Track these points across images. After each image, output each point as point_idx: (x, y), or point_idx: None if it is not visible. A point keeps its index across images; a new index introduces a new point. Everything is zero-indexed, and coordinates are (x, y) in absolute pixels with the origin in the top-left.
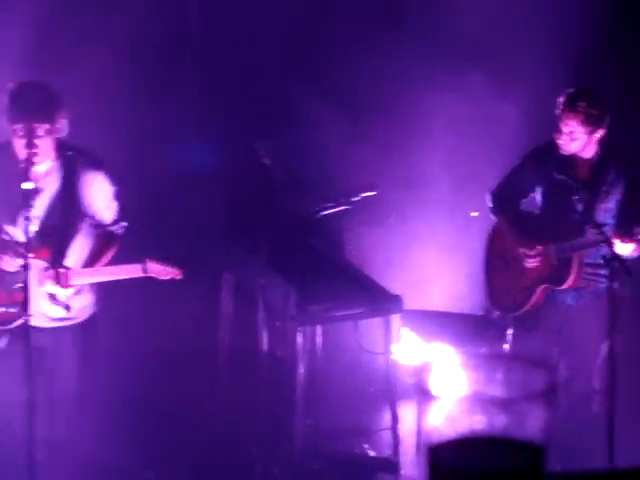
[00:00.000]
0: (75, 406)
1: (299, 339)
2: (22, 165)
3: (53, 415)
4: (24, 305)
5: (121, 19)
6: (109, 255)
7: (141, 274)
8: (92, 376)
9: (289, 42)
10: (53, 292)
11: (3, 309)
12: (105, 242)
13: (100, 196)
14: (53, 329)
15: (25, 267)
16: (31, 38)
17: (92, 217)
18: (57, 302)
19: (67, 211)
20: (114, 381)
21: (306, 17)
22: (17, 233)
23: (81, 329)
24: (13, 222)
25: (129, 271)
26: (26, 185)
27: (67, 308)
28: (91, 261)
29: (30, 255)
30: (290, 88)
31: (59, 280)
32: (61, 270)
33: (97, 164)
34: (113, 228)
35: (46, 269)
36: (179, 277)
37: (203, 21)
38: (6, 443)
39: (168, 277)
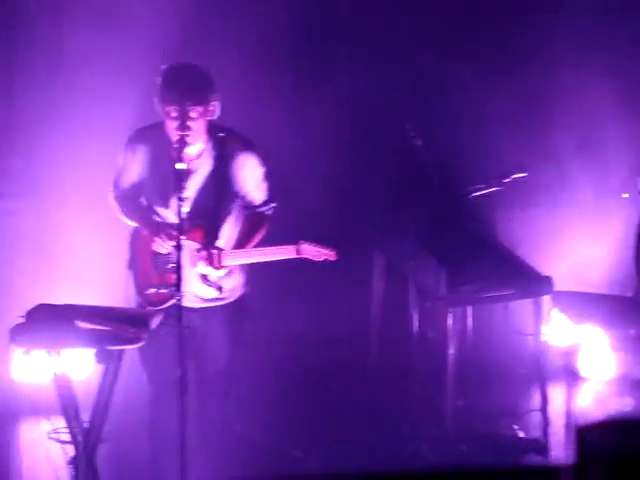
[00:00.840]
0: (225, 385)
1: (449, 320)
2: (175, 146)
3: (204, 394)
4: (177, 286)
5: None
6: (259, 236)
7: (294, 255)
8: (242, 356)
9: (446, 22)
10: (205, 273)
11: (154, 290)
12: (255, 223)
13: (251, 177)
14: (204, 309)
15: (178, 248)
16: (179, 22)
17: (243, 198)
18: (209, 283)
19: (219, 192)
20: (265, 362)
21: None
22: (169, 215)
23: (231, 309)
24: (165, 204)
25: (283, 252)
26: (179, 166)
27: (219, 289)
28: (242, 242)
29: (182, 237)
30: (445, 68)
31: (212, 261)
32: (214, 251)
33: (248, 145)
34: (263, 209)
35: (198, 250)
36: (333, 259)
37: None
38: (159, 422)
39: (322, 259)
